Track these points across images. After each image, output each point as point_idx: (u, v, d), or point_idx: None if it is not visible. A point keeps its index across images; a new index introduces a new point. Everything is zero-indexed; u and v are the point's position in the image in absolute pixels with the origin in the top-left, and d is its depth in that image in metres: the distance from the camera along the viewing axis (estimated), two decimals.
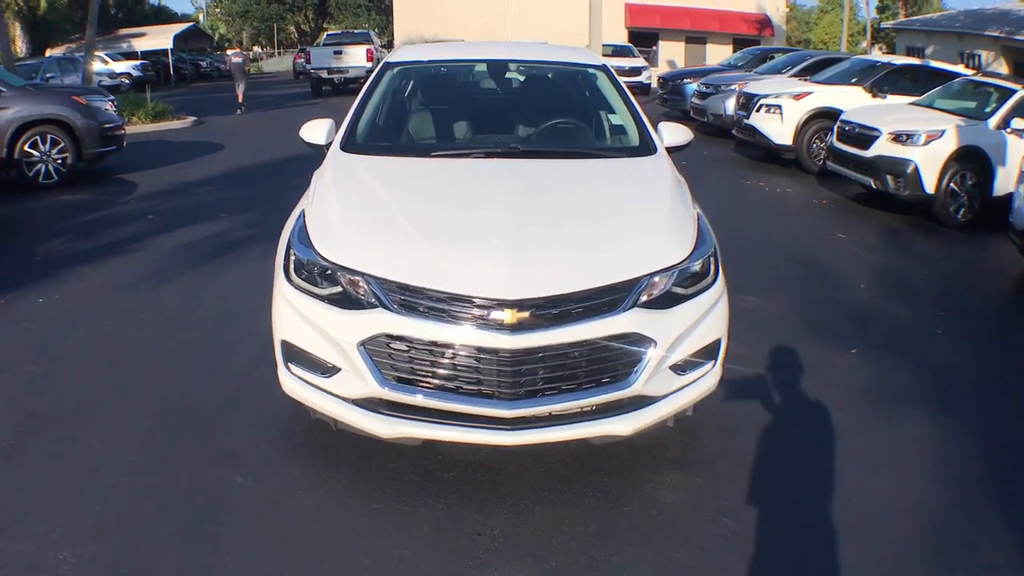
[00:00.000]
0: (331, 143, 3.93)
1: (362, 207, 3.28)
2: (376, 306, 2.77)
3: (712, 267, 3.08)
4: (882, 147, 7.79)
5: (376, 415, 2.86)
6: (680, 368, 2.95)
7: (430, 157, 3.77)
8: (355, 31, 30.51)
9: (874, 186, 7.85)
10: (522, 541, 2.70)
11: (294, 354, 3.02)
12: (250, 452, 3.33)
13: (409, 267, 2.78)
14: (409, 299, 2.74)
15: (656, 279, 2.86)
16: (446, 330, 2.69)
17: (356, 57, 24.32)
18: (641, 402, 2.87)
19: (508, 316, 2.64)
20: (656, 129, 4.15)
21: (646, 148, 3.91)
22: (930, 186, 7.44)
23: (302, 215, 3.26)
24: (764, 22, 32.04)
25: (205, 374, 4.07)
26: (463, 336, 2.67)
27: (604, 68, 4.57)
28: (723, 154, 11.88)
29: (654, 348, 2.80)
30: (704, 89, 13.49)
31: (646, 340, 2.79)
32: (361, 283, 2.80)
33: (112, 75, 28.62)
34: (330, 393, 2.94)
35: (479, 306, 2.66)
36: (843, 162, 8.42)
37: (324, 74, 23.94)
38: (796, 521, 2.89)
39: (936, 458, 3.38)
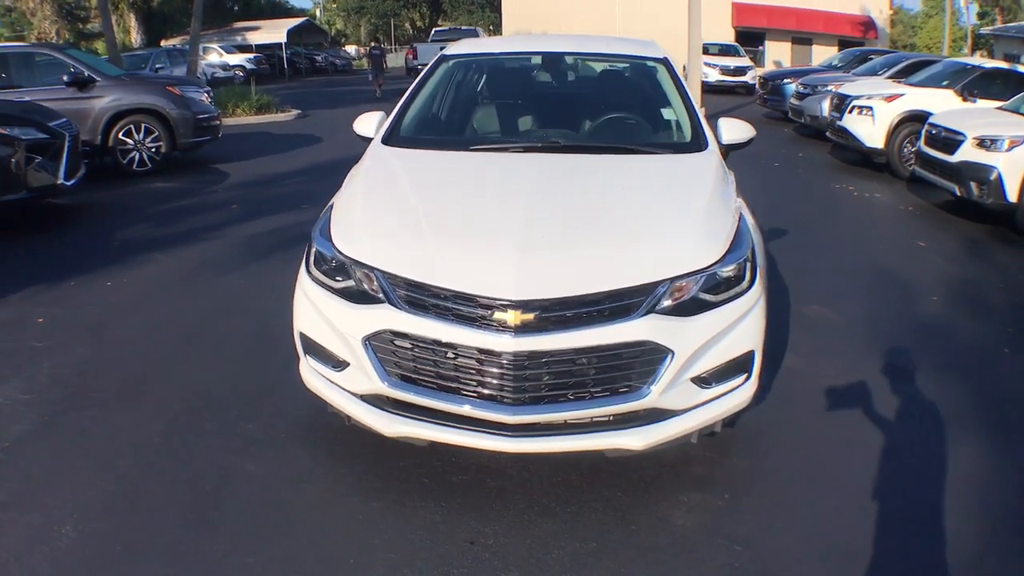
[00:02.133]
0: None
1: (385, 202, 3.21)
2: (383, 302, 2.69)
3: (748, 273, 2.84)
4: (966, 152, 7.21)
5: (381, 412, 2.78)
6: (704, 381, 2.72)
7: (468, 151, 3.68)
8: (463, 27, 30.90)
9: (958, 193, 7.27)
10: (515, 553, 2.55)
11: (310, 346, 3.00)
12: (267, 442, 3.31)
13: (416, 263, 2.68)
14: (414, 296, 2.64)
15: (680, 284, 2.64)
16: (449, 329, 2.57)
17: None
18: (657, 415, 2.67)
19: (512, 317, 2.50)
20: (715, 125, 3.96)
21: (696, 145, 3.68)
22: (1013, 194, 6.83)
23: (330, 208, 3.23)
24: (868, 24, 30.93)
25: (246, 363, 4.09)
26: (466, 336, 2.54)
27: (664, 61, 4.36)
28: (818, 157, 11.31)
29: (671, 358, 2.58)
30: (802, 90, 12.92)
31: (662, 349, 2.57)
32: (371, 278, 2.72)
33: (225, 67, 29.83)
34: (340, 387, 2.90)
35: (483, 306, 2.53)
36: (930, 167, 7.86)
37: None
38: (815, 555, 2.60)
39: (981, 498, 2.96)
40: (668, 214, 2.99)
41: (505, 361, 2.51)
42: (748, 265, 2.84)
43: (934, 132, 7.85)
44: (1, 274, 5.73)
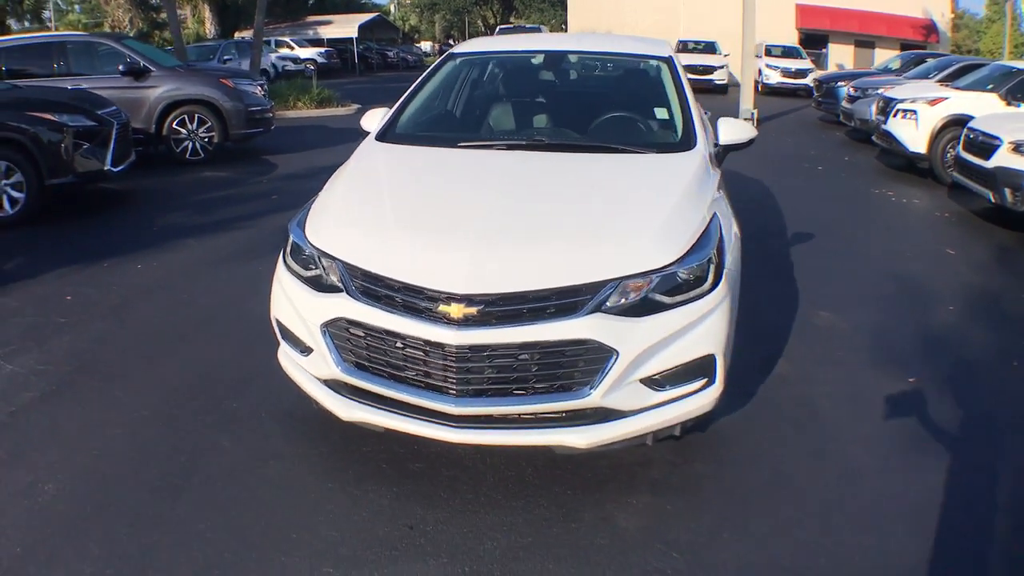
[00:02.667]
0: None
1: (360, 196, 3.31)
2: (341, 290, 2.79)
3: (711, 276, 2.80)
4: (1002, 157, 6.91)
5: (338, 397, 2.89)
6: (657, 383, 2.71)
7: (456, 148, 3.72)
8: (526, 26, 31.07)
9: (993, 200, 6.99)
10: (449, 541, 2.61)
11: (284, 332, 3.13)
12: (246, 420, 3.46)
13: (373, 255, 2.78)
14: (369, 286, 2.73)
15: (630, 284, 2.64)
16: (398, 320, 2.64)
17: None
18: (605, 415, 2.68)
19: (455, 311, 2.55)
20: (715, 125, 3.98)
21: (684, 144, 3.65)
22: None
23: (312, 201, 3.36)
24: (930, 28, 29.99)
25: (248, 347, 4.23)
26: (413, 328, 2.62)
27: (668, 60, 4.35)
28: (864, 162, 10.99)
29: (616, 359, 2.58)
30: (852, 93, 12.57)
31: (606, 349, 2.57)
32: (334, 267, 2.84)
33: (296, 60, 30.55)
34: (306, 371, 3.02)
35: (430, 298, 2.60)
36: (967, 173, 7.57)
37: None
38: (755, 571, 2.54)
39: (951, 527, 2.78)
40: (630, 214, 2.97)
41: (449, 353, 2.57)
42: (711, 268, 2.80)
43: (972, 136, 7.58)
44: (44, 253, 6.07)
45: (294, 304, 2.97)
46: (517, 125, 4.26)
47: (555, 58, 4.75)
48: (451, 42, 26.61)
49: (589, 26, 29.38)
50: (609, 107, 4.21)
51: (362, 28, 40.09)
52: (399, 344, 2.66)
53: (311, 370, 2.97)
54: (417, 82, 4.38)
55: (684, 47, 24.38)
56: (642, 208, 3.02)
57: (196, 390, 3.77)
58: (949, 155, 8.99)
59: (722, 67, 22.09)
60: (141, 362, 4.12)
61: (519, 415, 2.66)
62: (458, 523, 2.70)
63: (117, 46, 9.75)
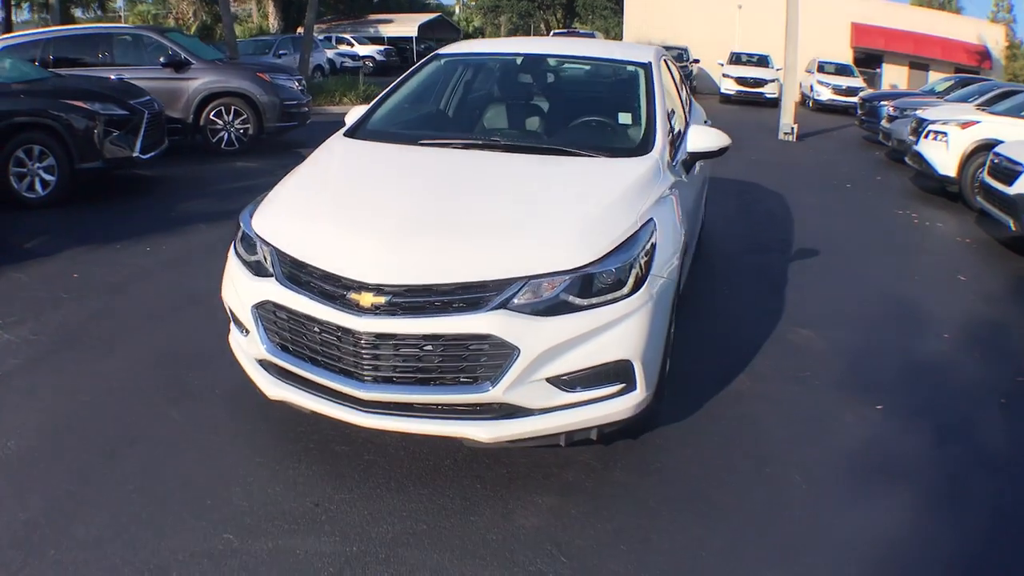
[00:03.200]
0: None
1: (306, 187, 3.47)
2: (271, 275, 2.95)
3: (632, 280, 2.83)
4: None
5: (267, 376, 3.07)
6: (566, 384, 2.76)
7: (415, 145, 3.81)
8: (580, 31, 31.10)
9: (1012, 228, 6.80)
10: (347, 521, 2.73)
11: (231, 314, 3.32)
12: (201, 396, 3.66)
13: (301, 242, 2.94)
14: (294, 272, 2.89)
15: (539, 283, 2.71)
16: (315, 306, 2.79)
17: None
18: (510, 411, 2.75)
19: (364, 299, 2.68)
20: (683, 133, 4.03)
21: (640, 149, 3.67)
22: None
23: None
24: (984, 54, 29.15)
25: (224, 329, 4.41)
26: (327, 313, 2.75)
27: (646, 66, 4.35)
28: (897, 182, 10.75)
29: (518, 356, 2.65)
30: (892, 112, 12.30)
31: (509, 346, 2.65)
32: (267, 253, 3.00)
33: (355, 57, 31.10)
34: (245, 351, 3.20)
35: (343, 286, 2.74)
36: (990, 198, 7.37)
37: None
38: None
39: (879, 563, 2.65)
40: (554, 214, 3.02)
41: (358, 340, 2.70)
42: (633, 272, 2.83)
43: (996, 162, 7.39)
44: (65, 233, 6.41)
45: (236, 287, 3.16)
46: (481, 125, 4.36)
47: (535, 61, 4.83)
48: None
49: (644, 35, 29.25)
50: (576, 110, 4.30)
51: (422, 27, 40.73)
52: (316, 329, 2.81)
53: (248, 350, 3.15)
54: (398, 80, 4.54)
55: (736, 59, 24.13)
56: (569, 209, 3.07)
57: (164, 366, 3.99)
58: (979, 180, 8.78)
59: (773, 81, 21.77)
60: (124, 337, 4.36)
61: (425, 404, 2.76)
62: (361, 505, 2.83)
63: (160, 39, 10.16)
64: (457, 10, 65.83)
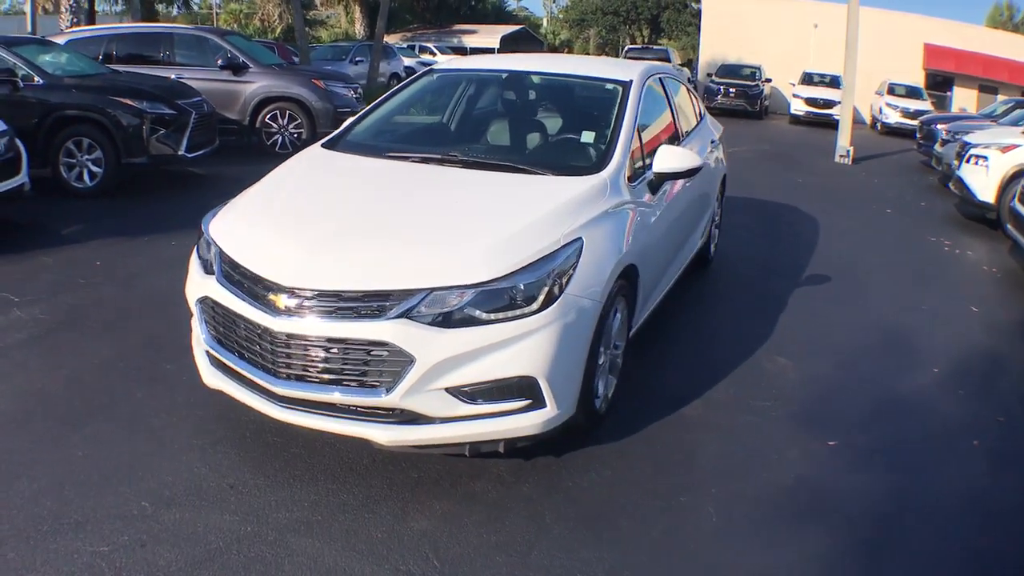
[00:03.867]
0: None
1: (265, 193, 3.67)
2: (213, 273, 3.17)
3: (542, 297, 2.89)
4: None
5: (207, 366, 3.29)
6: (467, 395, 2.85)
7: (381, 158, 3.93)
8: (654, 47, 31.00)
9: None
10: (252, 504, 2.91)
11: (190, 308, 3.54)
12: (168, 380, 3.92)
13: (241, 245, 3.17)
14: (230, 271, 3.12)
15: (444, 295, 2.80)
16: (242, 304, 3.00)
17: None
18: (412, 417, 2.86)
19: (280, 301, 2.87)
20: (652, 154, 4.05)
21: (593, 168, 3.69)
22: None
23: None
24: None
25: None
26: (251, 312, 2.96)
27: (626, 84, 4.37)
28: (940, 208, 10.32)
29: (414, 364, 2.76)
30: (945, 136, 11.83)
31: (405, 354, 2.76)
32: (214, 252, 3.23)
33: None
34: (196, 342, 3.41)
35: (265, 287, 2.93)
36: (1019, 226, 7.07)
37: None
38: None
39: None
40: (473, 229, 3.10)
41: (274, 338, 2.89)
42: (544, 290, 2.89)
43: None
44: (101, 223, 6.87)
45: (189, 282, 3.38)
46: (451, 140, 4.49)
47: (519, 79, 4.93)
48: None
49: (720, 52, 28.92)
50: (545, 128, 4.40)
51: (504, 39, 41.25)
52: (243, 325, 3.01)
53: (199, 340, 3.37)
54: (388, 93, 4.73)
55: (809, 79, 23.57)
56: (491, 225, 3.14)
57: (147, 351, 4.27)
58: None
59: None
60: (121, 323, 4.68)
61: (330, 403, 2.91)
62: (270, 492, 3.00)
63: (220, 41, 10.65)
64: (545, 22, 66.30)
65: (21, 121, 7.20)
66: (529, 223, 3.12)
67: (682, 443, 3.57)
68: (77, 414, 3.53)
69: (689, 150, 4.14)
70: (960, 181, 9.19)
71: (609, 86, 4.46)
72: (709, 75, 25.68)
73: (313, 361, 2.86)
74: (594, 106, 4.55)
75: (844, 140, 14.17)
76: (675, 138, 4.94)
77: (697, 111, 6.09)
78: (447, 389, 2.80)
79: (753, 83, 23.59)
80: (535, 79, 4.94)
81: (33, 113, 7.43)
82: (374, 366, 2.81)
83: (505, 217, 3.19)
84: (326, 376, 2.87)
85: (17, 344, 4.29)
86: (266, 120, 10.63)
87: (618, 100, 4.25)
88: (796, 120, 22.44)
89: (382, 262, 2.90)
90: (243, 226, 3.32)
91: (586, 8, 53.54)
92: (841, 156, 14.23)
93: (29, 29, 16.75)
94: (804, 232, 8.29)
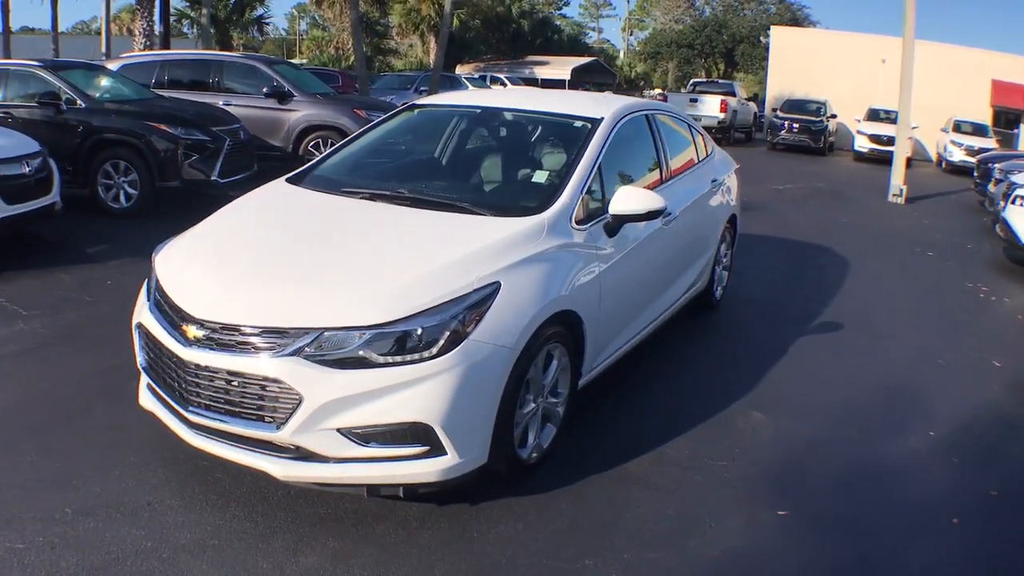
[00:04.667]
0: None
1: (211, 226, 3.77)
2: (149, 300, 3.30)
3: (442, 342, 2.83)
4: None
5: (144, 388, 3.45)
6: (360, 438, 2.83)
7: (334, 194, 3.93)
8: (719, 81, 30.79)
9: None
10: (161, 522, 3.00)
11: None
12: (131, 396, 3.82)
13: (171, 274, 3.31)
14: (159, 300, 3.26)
15: (338, 335, 2.80)
16: (162, 332, 3.12)
17: (710, 106, 24.55)
18: (308, 455, 2.89)
19: (190, 331, 2.98)
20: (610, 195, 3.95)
21: (535, 209, 3.60)
22: None
23: None
24: None
25: None
26: (169, 341, 3.07)
27: (596, 122, 4.28)
28: (986, 252, 9.81)
29: (302, 403, 2.77)
30: (998, 175, 11.27)
31: (294, 392, 2.78)
32: (153, 280, 3.38)
33: None
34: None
35: (181, 318, 3.05)
36: None
37: None
38: None
39: None
40: (382, 270, 3.09)
41: (185, 367, 2.99)
42: (446, 334, 2.86)
43: None
44: (126, 243, 7.20)
45: (136, 307, 3.51)
46: (407, 176, 4.50)
47: (492, 115, 4.93)
48: (664, 93, 27.29)
49: (788, 87, 28.44)
50: (505, 165, 4.40)
51: (576, 71, 41.44)
52: (164, 352, 3.11)
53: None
54: (370, 125, 4.82)
55: (874, 116, 22.95)
56: (402, 265, 3.12)
57: (123, 369, 4.40)
58: None
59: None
60: (110, 342, 4.87)
61: (232, 434, 2.98)
62: (182, 512, 3.09)
63: (267, 70, 11.03)
64: (622, 55, 66.50)
65: (63, 143, 7.64)
66: (443, 265, 3.09)
67: (612, 501, 3.38)
68: (38, 424, 3.73)
69: (649, 192, 3.95)
70: (1005, 223, 8.74)
71: (578, 123, 4.36)
72: (775, 110, 25.27)
73: (218, 391, 2.94)
74: (559, 144, 4.49)
75: (898, 179, 13.72)
76: (659, 178, 4.84)
77: (702, 150, 5.96)
78: (339, 430, 2.80)
79: (818, 119, 23.10)
80: (508, 116, 4.91)
81: (74, 135, 7.88)
82: (269, 401, 2.83)
83: (421, 258, 3.16)
84: (228, 407, 2.94)
85: (9, 355, 4.56)
86: (309, 148, 10.92)
87: (585, 137, 4.17)
88: (860, 157, 21.89)
89: (285, 300, 2.94)
90: (179, 256, 3.45)
91: (661, 41, 53.58)
92: (894, 195, 13.77)
93: (103, 50, 17.67)
94: (831, 276, 8.01)
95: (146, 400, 3.38)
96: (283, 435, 2.82)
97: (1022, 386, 5.28)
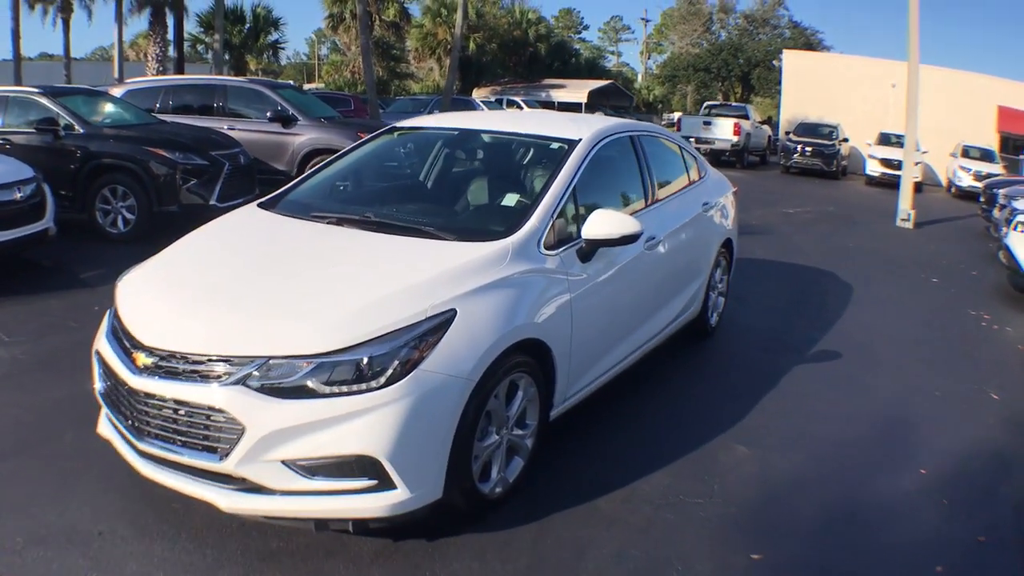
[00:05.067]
0: None
1: (173, 252, 3.73)
2: (107, 327, 3.28)
3: (390, 371, 2.75)
4: None
5: (102, 415, 3.40)
6: (306, 470, 2.75)
7: (302, 219, 3.88)
8: (733, 104, 30.77)
9: None
10: (109, 553, 2.96)
11: None
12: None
13: (128, 301, 3.28)
14: (115, 326, 3.22)
15: (282, 364, 2.73)
16: (115, 359, 3.09)
17: (723, 129, 24.53)
18: (254, 486, 2.82)
19: (138, 358, 2.94)
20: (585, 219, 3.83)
21: (500, 234, 3.50)
22: None
23: None
24: None
25: None
26: (119, 368, 3.03)
27: (573, 143, 4.19)
28: (992, 280, 9.60)
29: (244, 434, 2.70)
30: (1002, 201, 11.09)
31: (237, 422, 2.71)
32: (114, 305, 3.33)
33: None
34: None
35: (132, 345, 3.01)
36: None
37: (692, 143, 24.17)
38: None
39: None
40: (332, 297, 3.00)
41: (135, 394, 2.94)
42: (395, 363, 2.77)
43: None
44: (119, 268, 7.00)
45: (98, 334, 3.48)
46: (376, 200, 4.45)
47: (469, 137, 4.88)
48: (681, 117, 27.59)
49: (800, 110, 28.41)
50: (477, 188, 4.34)
51: (592, 94, 41.50)
52: (117, 379, 3.06)
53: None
54: (348, 148, 4.79)
55: (885, 140, 22.87)
56: (352, 292, 3.02)
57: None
58: None
59: (917, 164, 20.42)
60: (89, 368, 4.80)
61: (179, 464, 2.92)
62: (133, 543, 3.04)
63: (271, 94, 11.06)
64: (640, 78, 66.68)
65: (61, 168, 7.71)
66: (395, 291, 3.00)
67: (576, 540, 3.24)
68: (6, 450, 3.72)
69: (623, 215, 3.82)
70: (1008, 250, 8.56)
71: (555, 145, 4.26)
72: (787, 133, 25.19)
73: (166, 420, 2.89)
74: (533, 166, 4.41)
75: (905, 203, 13.58)
76: (644, 201, 4.76)
77: (694, 172, 5.86)
78: (283, 461, 2.72)
79: (830, 142, 23.01)
80: (485, 138, 4.84)
81: (72, 160, 7.95)
82: (213, 431, 2.77)
83: (374, 285, 3.07)
84: (176, 436, 2.88)
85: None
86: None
87: (559, 160, 4.05)
88: (871, 181, 21.80)
89: (232, 327, 2.88)
90: (138, 283, 3.42)
91: (678, 65, 53.71)
92: (902, 220, 13.63)
93: (116, 76, 17.93)
94: (832, 302, 7.88)
95: (104, 428, 3.34)
96: (227, 466, 2.76)
97: (1017, 421, 5.09)
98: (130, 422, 3.01)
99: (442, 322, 2.92)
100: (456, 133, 5.01)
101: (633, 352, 4.59)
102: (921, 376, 5.85)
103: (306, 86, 39.53)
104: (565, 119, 5.24)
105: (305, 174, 4.60)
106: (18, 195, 6.36)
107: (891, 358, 6.20)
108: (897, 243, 12.28)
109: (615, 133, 4.65)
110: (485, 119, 5.34)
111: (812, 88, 28.96)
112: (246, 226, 4.01)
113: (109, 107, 9.14)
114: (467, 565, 3.01)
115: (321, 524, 2.89)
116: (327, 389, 2.72)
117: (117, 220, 8.12)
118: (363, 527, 2.97)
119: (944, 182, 23.47)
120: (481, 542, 3.16)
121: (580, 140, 4.24)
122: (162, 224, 8.33)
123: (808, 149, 22.54)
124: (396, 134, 4.98)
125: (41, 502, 3.26)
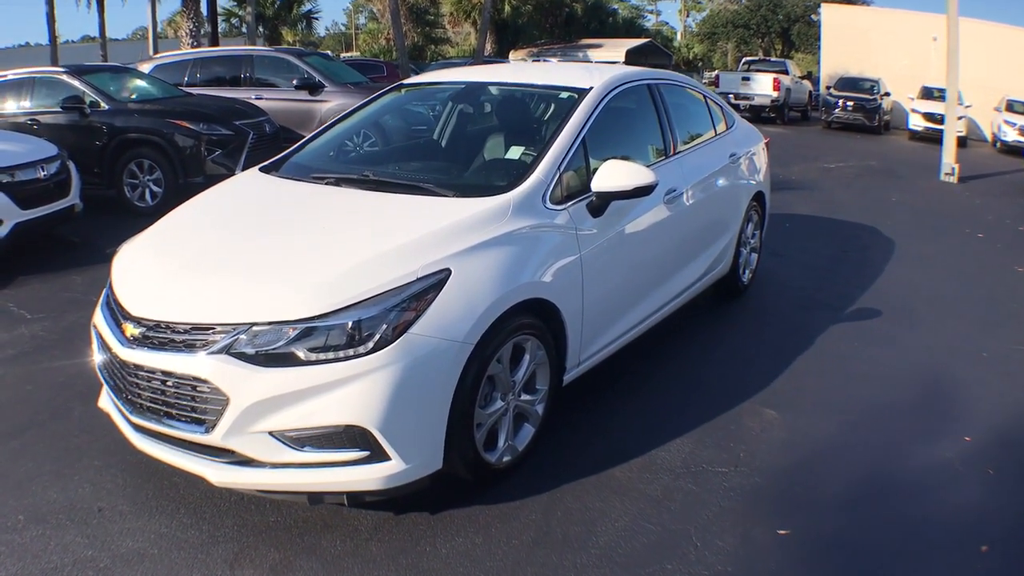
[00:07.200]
0: None
1: (169, 221, 3.63)
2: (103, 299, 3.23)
3: (377, 336, 2.60)
4: None
5: (103, 389, 3.32)
6: (295, 441, 2.64)
7: (302, 180, 3.75)
8: (772, 59, 29.83)
9: None
10: (107, 529, 2.91)
11: None
12: None
13: (121, 271, 3.20)
14: (108, 296, 3.15)
15: (266, 330, 2.60)
16: (107, 331, 3.02)
17: (763, 85, 23.93)
18: (241, 459, 2.73)
19: (128, 329, 2.86)
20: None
21: (504, 188, 3.33)
22: None
23: None
24: None
25: None
26: (111, 339, 2.96)
27: (584, 92, 3.97)
28: None
29: (229, 404, 2.59)
30: None
31: (221, 392, 2.60)
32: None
33: None
34: None
35: (123, 315, 2.93)
36: None
37: (731, 99, 23.60)
38: None
39: None
40: (319, 259, 2.86)
41: (125, 366, 2.87)
42: (383, 328, 2.61)
43: None
44: None
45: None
46: (378, 159, 4.36)
47: (477, 90, 4.69)
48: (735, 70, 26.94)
49: (841, 66, 27.46)
50: (484, 143, 4.15)
51: (630, 52, 40.56)
52: (110, 351, 2.99)
53: None
54: (355, 107, 4.64)
55: (928, 94, 21.98)
56: (342, 253, 2.88)
57: None
58: None
59: (963, 118, 19.52)
60: None
61: (170, 436, 2.84)
62: (130, 519, 2.99)
63: (297, 61, 10.96)
64: (679, 36, 65.24)
65: (88, 145, 7.73)
66: (386, 251, 2.83)
67: (587, 512, 3.06)
68: (15, 428, 3.69)
69: (637, 166, 3.56)
70: None
71: (564, 95, 4.05)
72: (828, 88, 24.42)
73: (155, 392, 2.80)
74: (542, 118, 4.21)
75: (949, 157, 13.04)
76: (663, 152, 4.53)
77: (720, 122, 5.59)
78: (271, 432, 2.61)
79: (871, 97, 22.25)
80: (493, 91, 4.62)
81: (99, 137, 7.95)
82: (200, 402, 2.67)
83: (364, 246, 2.91)
84: (165, 409, 2.80)
85: (7, 359, 4.55)
86: None
87: (569, 109, 3.83)
88: (914, 136, 21.14)
89: (214, 293, 2.77)
90: (132, 253, 3.33)
91: (717, 22, 52.35)
92: (946, 174, 13.07)
93: (151, 53, 18.03)
94: (874, 258, 7.54)
95: (103, 401, 3.29)
96: (214, 438, 2.66)
97: None
98: (124, 394, 2.95)
99: (435, 283, 2.76)
100: (463, 87, 4.83)
101: (656, 312, 4.38)
102: (965, 336, 5.50)
103: (343, 55, 39.42)
104: (578, 68, 5.01)
105: (310, 135, 4.47)
106: (42, 173, 6.37)
107: (934, 317, 5.86)
108: (941, 198, 11.74)
109: (630, 81, 4.40)
110: (494, 72, 5.16)
111: (852, 42, 27.96)
112: (243, 191, 3.89)
113: (135, 83, 9.15)
114: (470, 540, 2.88)
115: (315, 498, 2.79)
116: (313, 356, 2.58)
117: (144, 194, 8.14)
118: (359, 501, 2.87)
119: (989, 137, 22.58)
120: (486, 515, 3.03)
121: (591, 89, 4.00)
122: (189, 196, 8.34)
123: (850, 104, 21.84)
124: (403, 91, 4.82)
125: (44, 479, 3.22)
